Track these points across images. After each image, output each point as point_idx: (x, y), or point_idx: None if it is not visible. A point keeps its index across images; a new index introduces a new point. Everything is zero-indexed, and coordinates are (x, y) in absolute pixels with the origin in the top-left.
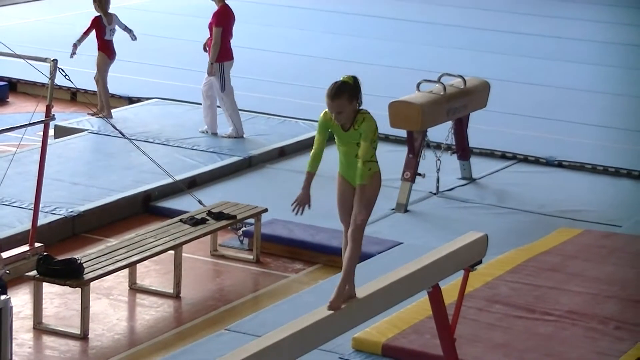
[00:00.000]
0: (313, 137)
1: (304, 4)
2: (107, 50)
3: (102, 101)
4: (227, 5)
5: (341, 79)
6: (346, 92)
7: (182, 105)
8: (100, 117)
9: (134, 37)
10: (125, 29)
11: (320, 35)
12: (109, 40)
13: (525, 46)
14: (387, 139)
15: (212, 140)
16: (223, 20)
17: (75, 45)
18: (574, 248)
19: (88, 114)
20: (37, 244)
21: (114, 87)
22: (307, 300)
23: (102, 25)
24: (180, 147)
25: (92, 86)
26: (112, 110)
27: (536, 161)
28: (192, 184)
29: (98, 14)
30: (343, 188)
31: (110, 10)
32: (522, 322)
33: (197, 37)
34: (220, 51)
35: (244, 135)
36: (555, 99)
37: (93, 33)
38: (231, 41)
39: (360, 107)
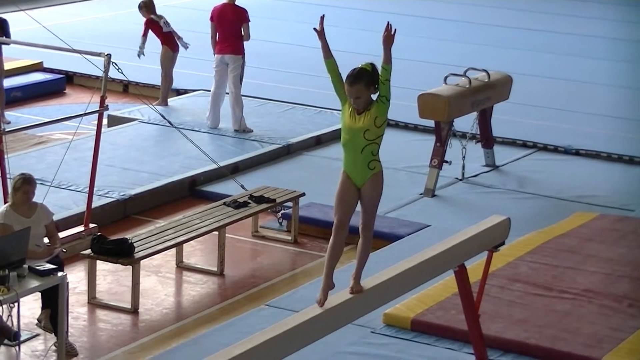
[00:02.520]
0: None
1: (338, 3)
2: (170, 43)
3: (164, 91)
4: (227, 4)
5: (360, 65)
6: (364, 78)
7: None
8: (150, 106)
9: (185, 45)
10: (176, 35)
11: (353, 32)
12: (168, 32)
13: (545, 42)
14: (416, 128)
15: (252, 130)
16: (214, 16)
17: (140, 49)
18: (590, 231)
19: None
20: (91, 225)
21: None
22: (341, 279)
23: (155, 22)
24: (223, 135)
25: (143, 78)
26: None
27: (555, 150)
28: (235, 169)
29: (147, 17)
30: (346, 186)
31: (159, 12)
32: (541, 300)
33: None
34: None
35: (247, 128)
36: (572, 91)
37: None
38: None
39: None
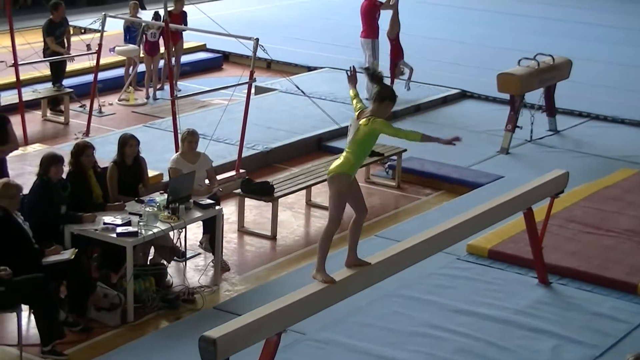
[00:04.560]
0: (440, 98)
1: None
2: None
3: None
4: None
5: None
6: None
7: (342, 74)
8: (288, 79)
9: None
10: None
11: (445, 24)
12: None
13: (601, 33)
14: (494, 100)
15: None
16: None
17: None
18: (631, 183)
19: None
20: (241, 170)
21: (296, 59)
22: (434, 216)
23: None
24: (343, 102)
25: (282, 58)
26: (296, 76)
27: (605, 119)
28: None
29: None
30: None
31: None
32: (591, 237)
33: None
34: None
35: None
36: (621, 73)
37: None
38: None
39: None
